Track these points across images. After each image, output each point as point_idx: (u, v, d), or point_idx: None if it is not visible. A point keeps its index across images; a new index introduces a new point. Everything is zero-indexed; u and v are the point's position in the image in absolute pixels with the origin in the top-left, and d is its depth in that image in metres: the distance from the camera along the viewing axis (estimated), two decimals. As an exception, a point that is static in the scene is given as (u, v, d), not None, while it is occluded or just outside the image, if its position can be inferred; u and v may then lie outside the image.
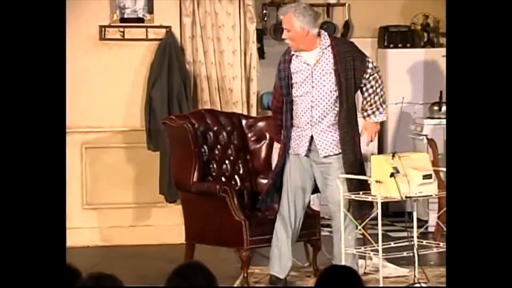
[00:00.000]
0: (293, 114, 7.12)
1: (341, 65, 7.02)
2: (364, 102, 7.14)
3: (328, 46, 7.08)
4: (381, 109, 7.13)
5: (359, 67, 7.03)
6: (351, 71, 7.03)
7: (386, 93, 10.25)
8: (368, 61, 7.09)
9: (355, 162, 7.09)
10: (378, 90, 7.10)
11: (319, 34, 7.12)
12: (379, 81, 7.12)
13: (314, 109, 7.06)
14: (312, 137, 7.06)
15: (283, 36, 7.16)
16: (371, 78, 7.07)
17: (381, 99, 7.11)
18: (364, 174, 7.07)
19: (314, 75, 7.07)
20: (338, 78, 7.00)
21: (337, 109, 7.04)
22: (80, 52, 8.82)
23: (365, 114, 7.15)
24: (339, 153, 7.04)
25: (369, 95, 7.09)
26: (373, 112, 7.11)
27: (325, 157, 7.07)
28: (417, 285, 6.64)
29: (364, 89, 7.10)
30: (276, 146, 8.06)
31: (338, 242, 7.07)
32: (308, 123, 7.08)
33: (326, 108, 7.06)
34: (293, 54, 7.11)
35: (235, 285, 7.21)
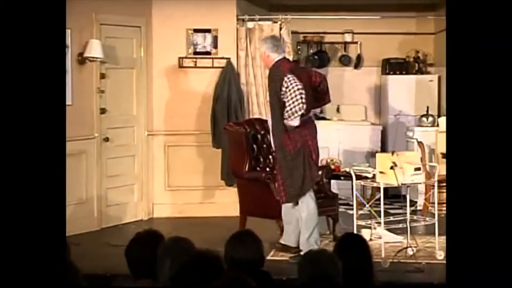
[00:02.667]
0: None
1: (272, 83, 6.81)
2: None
3: (270, 68, 6.89)
4: (291, 117, 6.66)
5: (279, 86, 6.68)
6: (275, 88, 6.73)
7: (387, 107, 10.27)
8: (286, 81, 6.63)
9: (283, 161, 6.81)
10: (291, 105, 6.62)
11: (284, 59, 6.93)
12: (291, 99, 6.62)
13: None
14: None
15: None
16: (286, 94, 6.64)
17: (290, 111, 6.65)
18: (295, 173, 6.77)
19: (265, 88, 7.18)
20: (269, 92, 6.88)
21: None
22: (164, 76, 8.85)
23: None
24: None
25: (286, 107, 6.68)
26: (286, 119, 6.71)
27: None
28: (409, 248, 6.58)
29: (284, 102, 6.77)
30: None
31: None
32: None
33: (271, 114, 6.94)
34: None
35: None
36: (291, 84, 6.61)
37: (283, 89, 6.63)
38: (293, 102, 6.62)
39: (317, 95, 6.96)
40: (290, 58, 8.97)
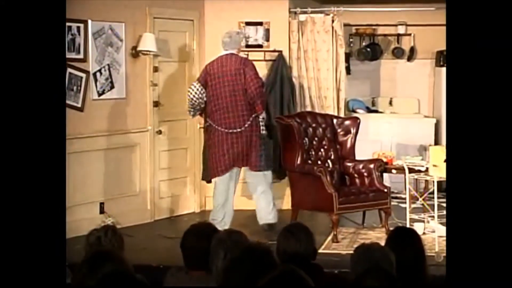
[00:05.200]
0: None
1: None
2: None
3: None
4: None
5: None
6: None
7: (441, 100, 10.13)
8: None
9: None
10: None
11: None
12: None
13: None
14: None
15: None
16: None
17: None
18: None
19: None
20: None
21: None
22: (216, 69, 8.89)
23: None
24: None
25: None
26: None
27: None
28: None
29: None
30: (360, 138, 8.02)
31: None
32: None
33: None
34: None
35: (327, 240, 7.19)
36: (190, 88, 7.55)
37: None
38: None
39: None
40: (342, 51, 8.97)
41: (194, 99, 7.46)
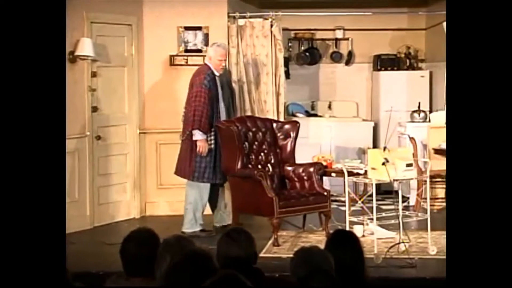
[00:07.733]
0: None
1: None
2: None
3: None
4: None
5: None
6: None
7: (379, 103, 10.29)
8: None
9: None
10: None
11: None
12: None
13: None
14: None
15: (224, 65, 7.89)
16: None
17: None
18: None
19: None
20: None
21: None
22: (156, 74, 8.86)
23: None
24: None
25: None
26: None
27: None
28: (401, 244, 6.62)
29: None
30: (299, 142, 8.06)
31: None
32: None
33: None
34: (216, 75, 7.78)
35: (268, 244, 7.21)
36: None
37: None
38: None
39: None
40: (281, 55, 9.03)
41: None
